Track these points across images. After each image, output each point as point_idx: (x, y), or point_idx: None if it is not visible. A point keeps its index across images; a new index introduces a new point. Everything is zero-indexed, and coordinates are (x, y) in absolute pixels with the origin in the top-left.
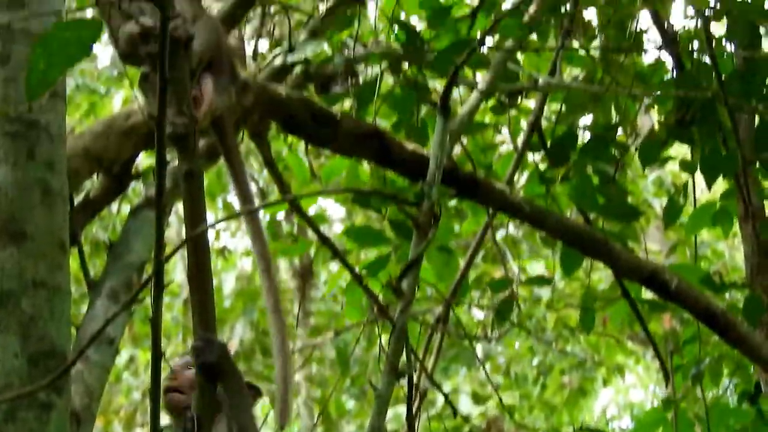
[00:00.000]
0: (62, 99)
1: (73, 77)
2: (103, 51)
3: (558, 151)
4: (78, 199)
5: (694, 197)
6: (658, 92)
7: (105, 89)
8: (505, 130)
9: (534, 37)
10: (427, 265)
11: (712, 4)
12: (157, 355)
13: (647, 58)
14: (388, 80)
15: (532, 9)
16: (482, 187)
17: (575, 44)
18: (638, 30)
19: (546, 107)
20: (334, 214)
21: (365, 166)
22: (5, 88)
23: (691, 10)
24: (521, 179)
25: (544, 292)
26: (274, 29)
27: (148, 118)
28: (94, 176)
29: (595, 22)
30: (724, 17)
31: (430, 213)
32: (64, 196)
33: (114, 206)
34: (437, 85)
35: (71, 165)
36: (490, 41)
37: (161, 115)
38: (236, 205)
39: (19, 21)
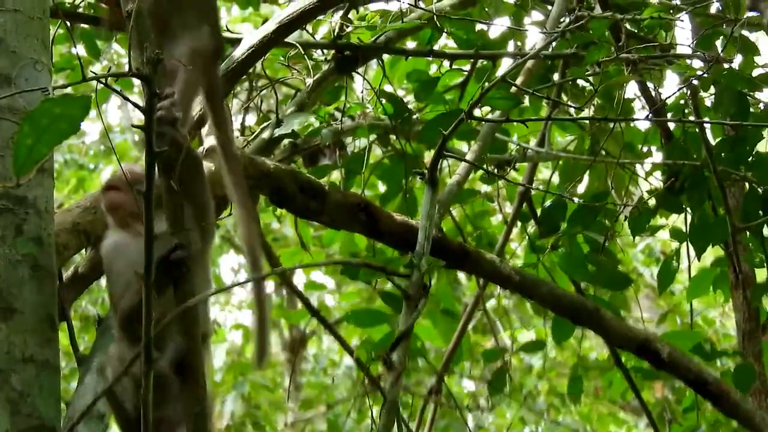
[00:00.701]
0: (50, 175)
1: (61, 152)
2: (91, 126)
3: (548, 221)
4: (67, 273)
5: (689, 264)
6: (648, 161)
7: (93, 164)
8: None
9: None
10: (432, 329)
11: (699, 74)
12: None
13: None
14: (377, 151)
15: (520, 80)
16: (472, 258)
17: (564, 112)
18: (626, 99)
19: (536, 174)
20: (326, 282)
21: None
22: None
23: (678, 80)
24: (513, 248)
25: (536, 361)
26: (261, 103)
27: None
28: (83, 251)
29: (583, 87)
30: (712, 87)
31: (419, 284)
32: (53, 271)
33: (103, 280)
34: (426, 155)
35: (59, 239)
36: (478, 112)
37: (149, 186)
38: (226, 277)
39: (6, 98)
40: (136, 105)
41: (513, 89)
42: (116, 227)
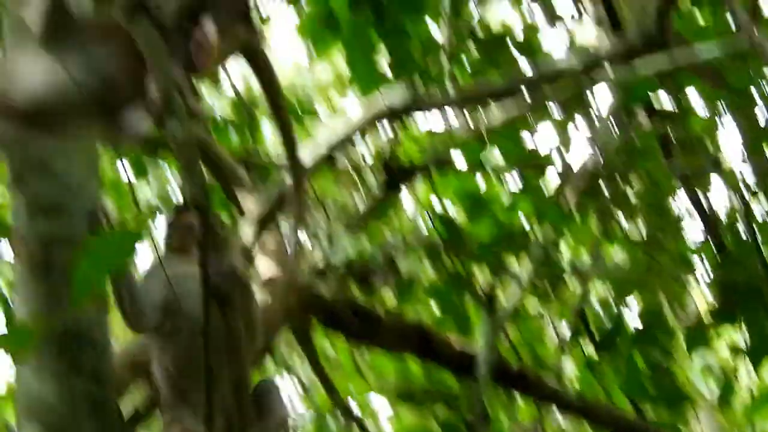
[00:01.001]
0: (106, 310)
1: None
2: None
3: (605, 339)
4: (126, 410)
5: (748, 381)
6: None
7: None
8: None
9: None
10: None
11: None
12: None
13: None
14: (429, 271)
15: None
16: (531, 381)
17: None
18: (678, 214)
19: (591, 290)
20: (382, 408)
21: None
22: (48, 300)
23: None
24: (569, 366)
25: None
26: (312, 224)
27: None
28: (141, 386)
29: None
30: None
31: (480, 412)
32: (112, 407)
33: None
34: (477, 271)
35: (118, 376)
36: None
37: (206, 321)
38: None
39: (60, 229)
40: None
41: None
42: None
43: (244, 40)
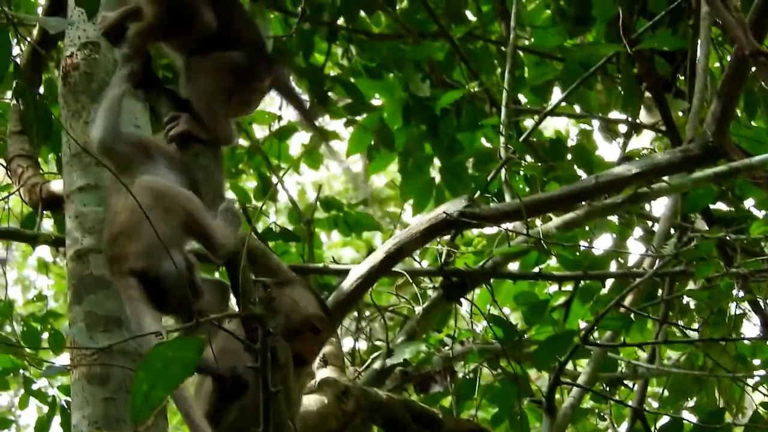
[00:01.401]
0: (164, 416)
1: None
2: None
3: None
4: None
5: None
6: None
7: None
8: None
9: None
10: None
11: None
12: None
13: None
14: (488, 374)
15: (628, 299)
16: None
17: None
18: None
19: (648, 391)
20: None
21: None
22: (105, 408)
23: None
24: None
25: None
26: (370, 331)
27: None
28: None
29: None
30: None
31: None
32: None
33: None
34: (533, 373)
35: None
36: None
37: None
38: None
39: (118, 342)
40: (249, 345)
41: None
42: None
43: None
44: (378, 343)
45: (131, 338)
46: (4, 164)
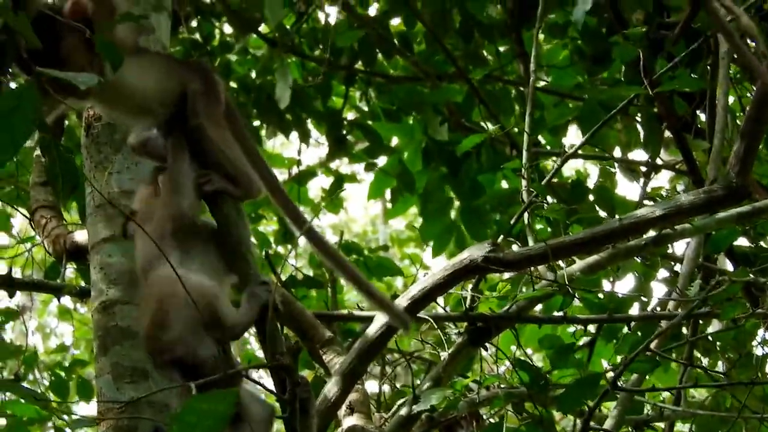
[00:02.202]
0: None
1: None
2: None
3: None
4: None
5: None
6: None
7: None
8: None
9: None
10: None
11: None
12: None
13: None
14: (513, 418)
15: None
16: None
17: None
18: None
19: None
20: None
21: None
22: None
23: None
24: None
25: None
26: (395, 378)
27: None
28: None
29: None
30: None
31: None
32: None
33: None
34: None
35: None
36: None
37: None
38: None
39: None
40: (276, 395)
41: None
42: None
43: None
44: (403, 388)
45: (158, 391)
46: (28, 215)
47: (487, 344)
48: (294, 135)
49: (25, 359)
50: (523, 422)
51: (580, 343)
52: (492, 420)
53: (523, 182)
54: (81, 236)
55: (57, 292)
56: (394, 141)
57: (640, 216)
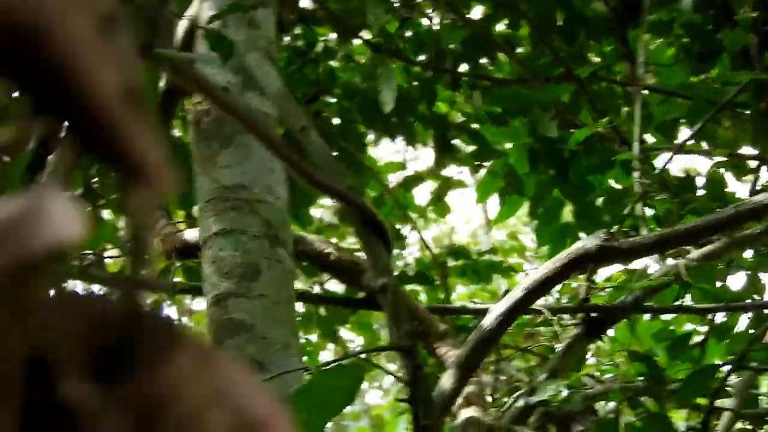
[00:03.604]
0: None
1: None
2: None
3: None
4: None
5: None
6: None
7: None
8: None
9: None
10: None
11: None
12: None
13: None
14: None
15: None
16: None
17: None
18: None
19: None
20: None
21: None
22: None
23: None
24: None
25: None
26: (510, 372)
27: None
28: None
29: None
30: None
31: None
32: None
33: None
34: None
35: None
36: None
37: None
38: None
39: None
40: (399, 378)
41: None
42: None
43: None
44: (518, 383)
45: (277, 375)
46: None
47: (602, 336)
48: (399, 141)
49: None
50: (638, 417)
51: (696, 339)
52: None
53: (635, 174)
54: (190, 234)
55: (169, 291)
56: (502, 146)
57: (756, 202)
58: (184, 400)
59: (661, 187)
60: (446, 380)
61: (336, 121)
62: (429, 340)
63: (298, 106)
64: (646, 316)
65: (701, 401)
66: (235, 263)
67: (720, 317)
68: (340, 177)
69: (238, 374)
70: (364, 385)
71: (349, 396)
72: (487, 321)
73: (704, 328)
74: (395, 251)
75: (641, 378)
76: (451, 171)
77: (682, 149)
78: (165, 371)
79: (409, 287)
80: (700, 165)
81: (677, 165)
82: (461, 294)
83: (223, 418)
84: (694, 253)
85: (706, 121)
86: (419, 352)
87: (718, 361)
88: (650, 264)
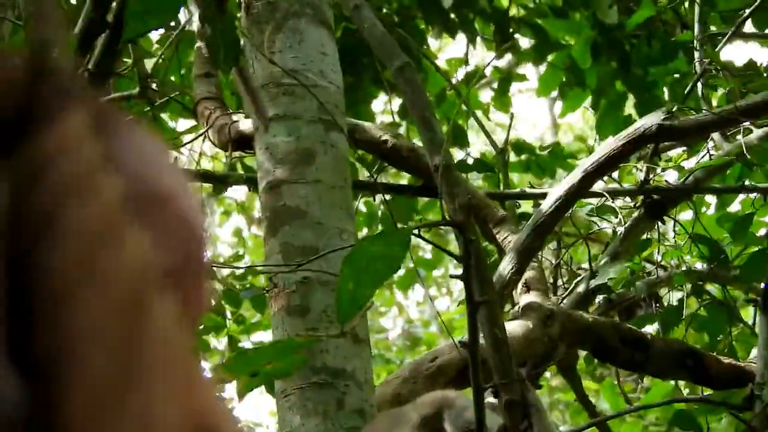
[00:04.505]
0: (367, 345)
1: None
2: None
3: None
4: None
5: None
6: None
7: (399, 359)
8: None
9: None
10: None
11: None
12: None
13: None
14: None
15: None
16: None
17: None
18: None
19: None
20: None
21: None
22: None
23: None
24: None
25: None
26: (571, 259)
27: None
28: None
29: None
30: None
31: (764, 416)
32: None
33: None
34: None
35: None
36: None
37: (473, 341)
38: None
39: (316, 272)
40: (452, 255)
41: None
42: None
43: None
44: (579, 270)
45: (328, 252)
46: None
47: (664, 218)
48: (461, 37)
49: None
50: (703, 304)
51: (760, 231)
52: (672, 303)
53: (696, 53)
54: (246, 125)
55: (223, 182)
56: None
57: None
58: (71, 162)
59: (722, 68)
60: (506, 266)
61: (396, 18)
62: (488, 225)
63: None
64: (712, 206)
65: None
66: (289, 149)
67: None
68: (395, 54)
69: (144, 143)
70: (433, 291)
71: (395, 264)
72: (546, 205)
73: None
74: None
75: (705, 262)
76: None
77: (739, 31)
78: (54, 132)
79: (470, 178)
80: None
81: (743, 57)
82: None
83: (115, 184)
84: (757, 131)
85: (762, 2)
86: (473, 228)
87: None
88: (713, 145)
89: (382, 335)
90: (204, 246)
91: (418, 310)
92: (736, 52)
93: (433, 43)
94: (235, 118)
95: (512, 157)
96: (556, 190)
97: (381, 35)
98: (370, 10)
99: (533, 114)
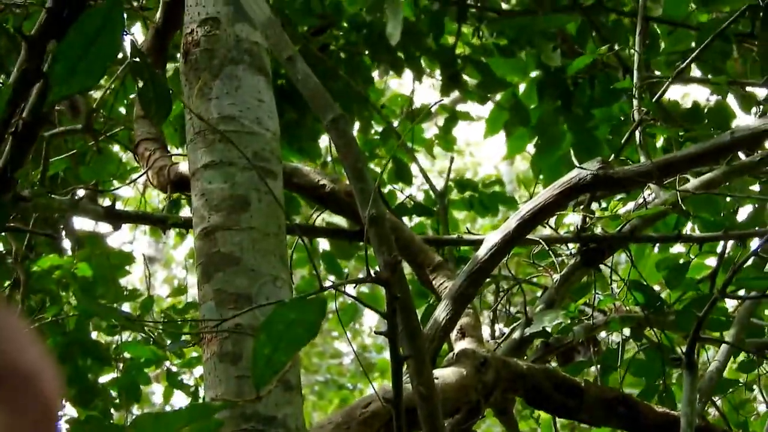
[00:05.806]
0: (298, 392)
1: (321, 373)
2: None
3: None
4: None
5: None
6: None
7: (352, 385)
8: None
9: None
10: None
11: None
12: None
13: None
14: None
15: None
16: None
17: None
18: None
19: None
20: None
21: None
22: (239, 386)
23: None
24: None
25: None
26: (509, 305)
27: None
28: None
29: None
30: None
31: None
32: None
33: None
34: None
35: None
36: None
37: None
38: None
39: (246, 316)
40: (377, 311)
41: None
42: None
43: None
44: (516, 314)
45: (256, 307)
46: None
47: (600, 266)
48: (407, 74)
49: (143, 303)
50: (641, 348)
51: (700, 277)
52: (610, 346)
53: (635, 102)
54: (185, 167)
55: (161, 224)
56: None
57: (753, 128)
58: None
59: (662, 116)
60: (441, 312)
61: (342, 54)
62: (424, 270)
63: (286, 36)
64: (655, 247)
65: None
66: (224, 196)
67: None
68: (327, 106)
69: (9, 323)
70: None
71: (312, 330)
72: (482, 252)
73: (712, 261)
74: (402, 186)
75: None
76: (460, 106)
77: (680, 75)
78: None
79: (416, 220)
80: (710, 98)
81: (687, 99)
82: (484, 226)
83: None
84: (694, 181)
85: (704, 47)
86: (400, 283)
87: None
88: (650, 193)
89: (336, 360)
90: (57, 422)
91: (371, 337)
92: (684, 91)
93: (379, 78)
94: (174, 159)
95: (456, 194)
96: (492, 236)
97: (314, 86)
98: (303, 62)
99: (489, 142)
